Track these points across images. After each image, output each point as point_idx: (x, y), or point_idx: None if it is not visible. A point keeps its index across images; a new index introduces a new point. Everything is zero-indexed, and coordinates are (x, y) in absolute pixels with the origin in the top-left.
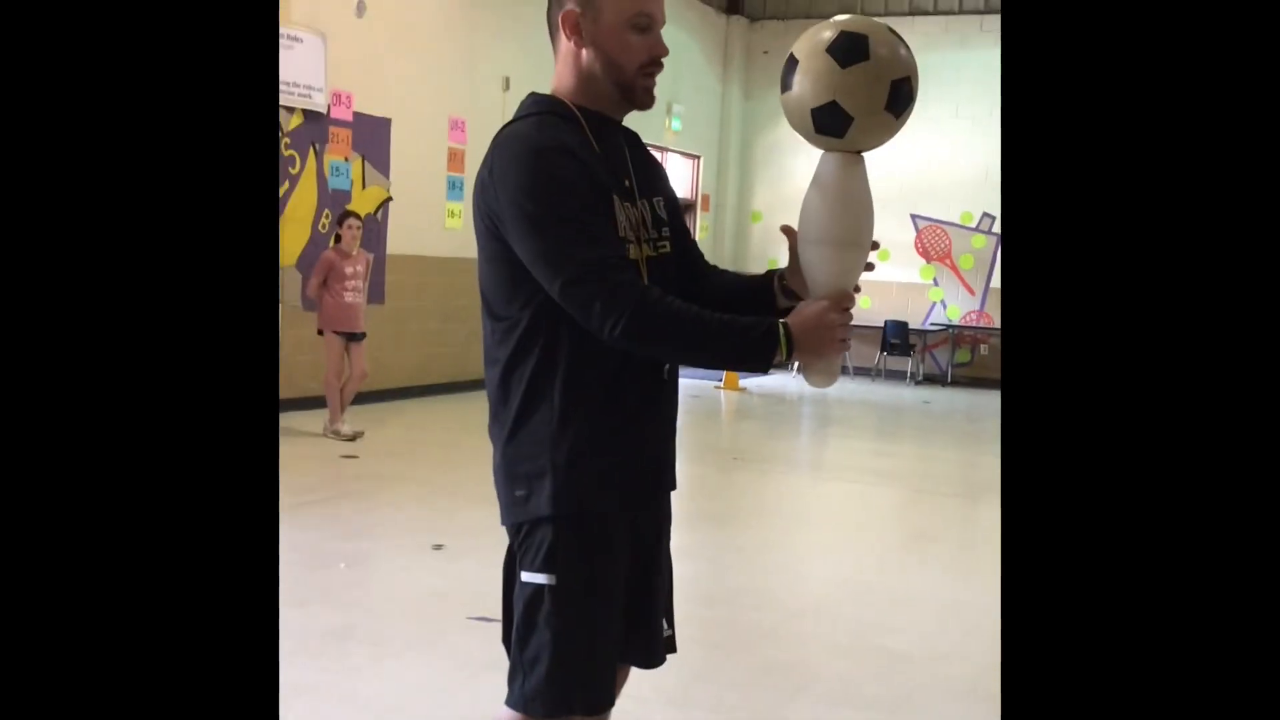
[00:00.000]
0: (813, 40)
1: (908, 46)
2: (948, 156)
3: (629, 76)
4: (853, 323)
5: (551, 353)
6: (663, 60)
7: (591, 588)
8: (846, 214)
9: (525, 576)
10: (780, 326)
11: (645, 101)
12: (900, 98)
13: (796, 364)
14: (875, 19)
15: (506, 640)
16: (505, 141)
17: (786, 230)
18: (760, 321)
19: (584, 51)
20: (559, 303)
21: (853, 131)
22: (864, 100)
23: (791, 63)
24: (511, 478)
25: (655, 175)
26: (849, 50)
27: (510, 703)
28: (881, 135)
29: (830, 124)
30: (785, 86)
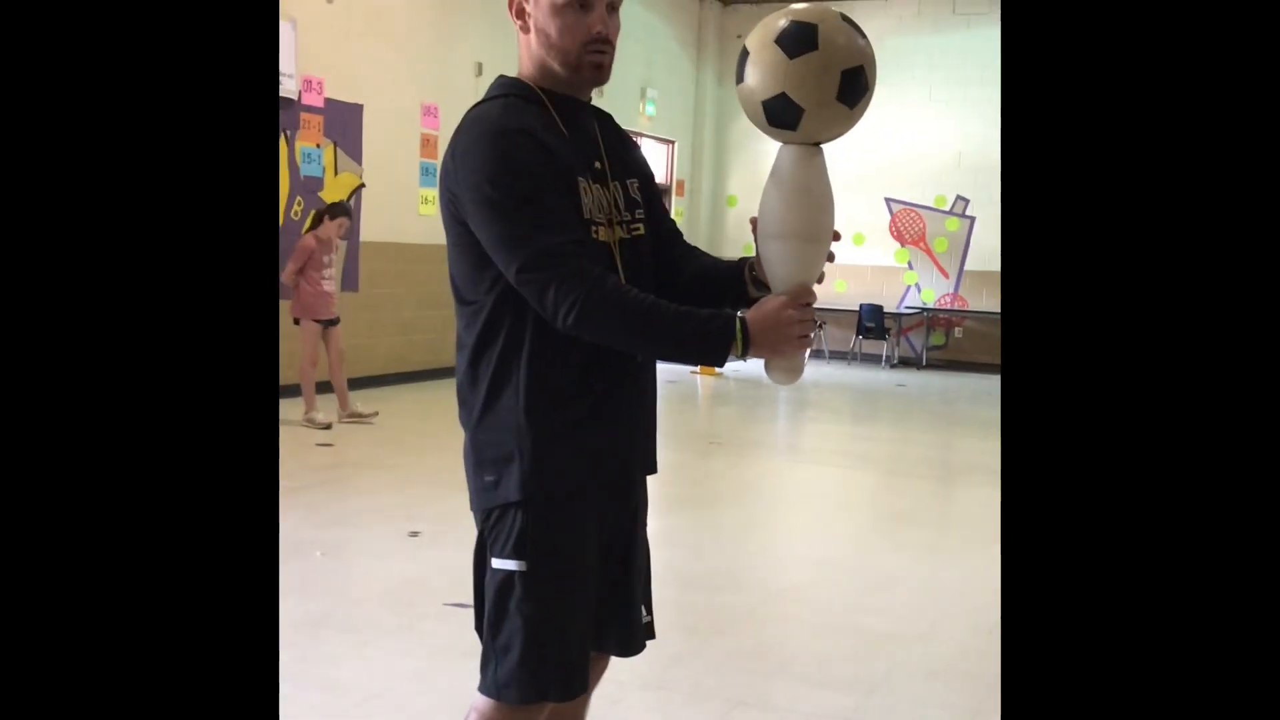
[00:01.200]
0: (764, 30)
1: (864, 34)
2: (921, 140)
3: (572, 57)
4: (828, 308)
5: (517, 337)
6: (609, 38)
7: (562, 573)
8: (804, 208)
9: (496, 563)
10: (737, 321)
11: (595, 78)
12: (853, 88)
13: (751, 359)
14: (832, 6)
15: (479, 627)
16: (468, 125)
17: (754, 222)
18: (717, 315)
19: (531, 36)
20: (516, 288)
21: (805, 123)
22: (813, 91)
23: (744, 54)
24: (480, 463)
25: (629, 156)
26: (797, 40)
27: (483, 690)
28: (836, 127)
29: (782, 116)
30: (739, 78)
